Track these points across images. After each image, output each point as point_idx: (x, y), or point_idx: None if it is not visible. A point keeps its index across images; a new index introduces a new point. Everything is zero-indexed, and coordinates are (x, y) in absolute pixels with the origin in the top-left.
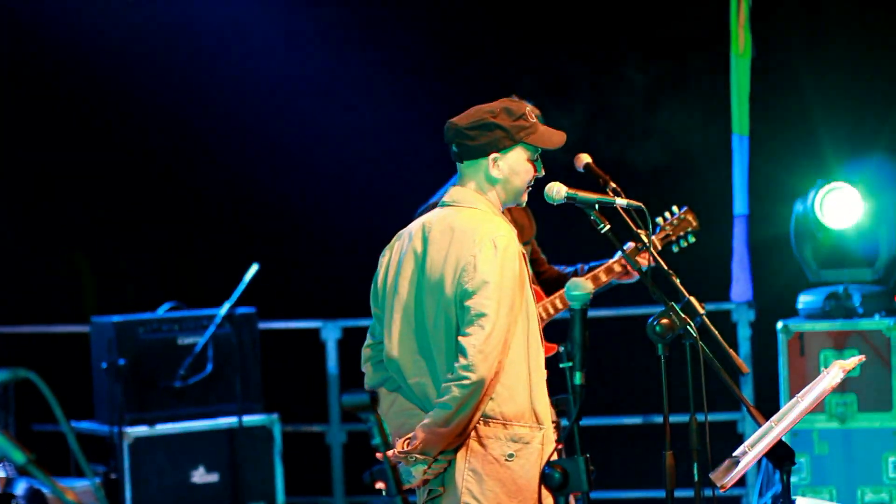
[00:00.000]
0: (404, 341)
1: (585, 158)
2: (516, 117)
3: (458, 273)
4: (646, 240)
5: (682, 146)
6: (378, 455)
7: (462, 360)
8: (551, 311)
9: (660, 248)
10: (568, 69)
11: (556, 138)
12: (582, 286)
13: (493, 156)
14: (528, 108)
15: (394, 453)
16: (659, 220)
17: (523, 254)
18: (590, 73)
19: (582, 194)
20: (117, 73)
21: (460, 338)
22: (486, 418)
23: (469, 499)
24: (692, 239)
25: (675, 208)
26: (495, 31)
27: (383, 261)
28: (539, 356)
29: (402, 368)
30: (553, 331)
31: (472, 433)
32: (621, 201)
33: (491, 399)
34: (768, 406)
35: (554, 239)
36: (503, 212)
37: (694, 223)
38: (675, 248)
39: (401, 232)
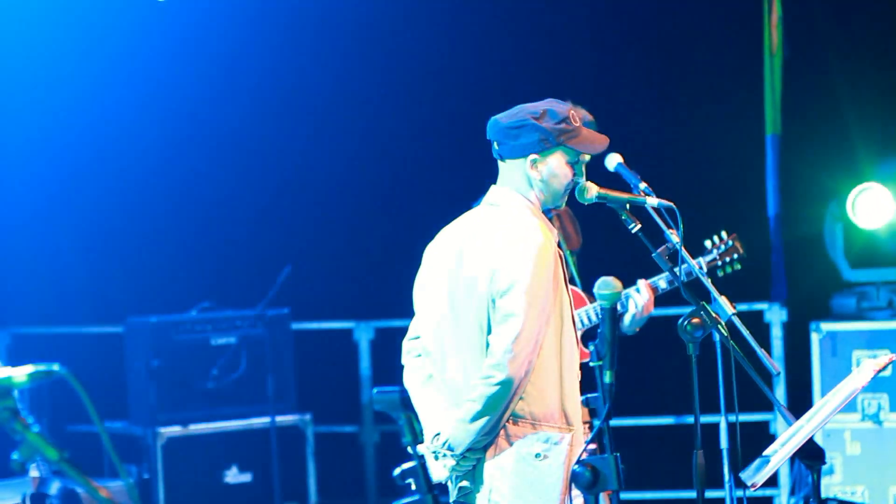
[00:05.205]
0: (441, 338)
1: (617, 158)
2: (559, 120)
3: (491, 272)
4: (676, 239)
5: (715, 146)
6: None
7: (490, 360)
8: (593, 317)
9: (705, 270)
10: (600, 70)
11: (597, 143)
12: (611, 285)
13: (532, 157)
14: (572, 112)
15: (423, 446)
16: (707, 243)
17: (560, 255)
18: (620, 75)
19: (613, 194)
20: (154, 76)
21: (490, 337)
22: (516, 417)
23: (497, 497)
24: (738, 266)
25: (724, 234)
26: (529, 31)
27: (426, 257)
28: (573, 357)
29: (437, 364)
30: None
31: (501, 431)
32: (652, 201)
33: (521, 398)
34: (800, 406)
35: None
36: (552, 217)
37: (741, 250)
38: (720, 273)
39: (444, 229)
